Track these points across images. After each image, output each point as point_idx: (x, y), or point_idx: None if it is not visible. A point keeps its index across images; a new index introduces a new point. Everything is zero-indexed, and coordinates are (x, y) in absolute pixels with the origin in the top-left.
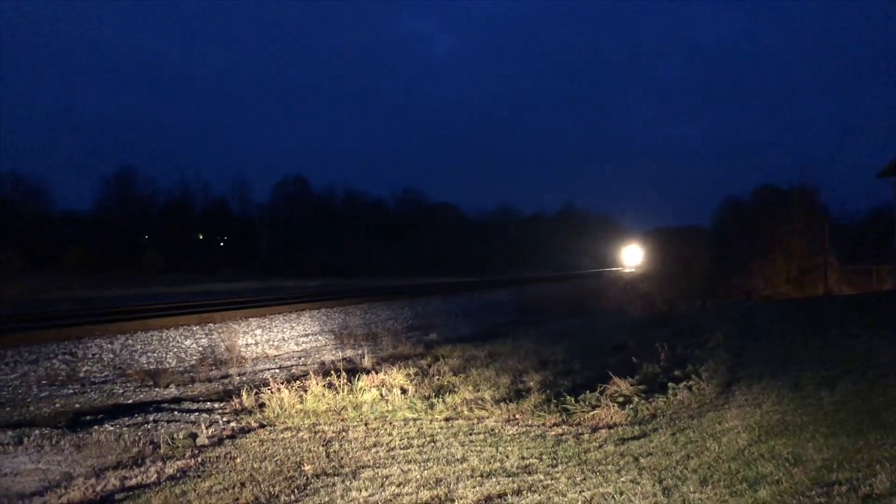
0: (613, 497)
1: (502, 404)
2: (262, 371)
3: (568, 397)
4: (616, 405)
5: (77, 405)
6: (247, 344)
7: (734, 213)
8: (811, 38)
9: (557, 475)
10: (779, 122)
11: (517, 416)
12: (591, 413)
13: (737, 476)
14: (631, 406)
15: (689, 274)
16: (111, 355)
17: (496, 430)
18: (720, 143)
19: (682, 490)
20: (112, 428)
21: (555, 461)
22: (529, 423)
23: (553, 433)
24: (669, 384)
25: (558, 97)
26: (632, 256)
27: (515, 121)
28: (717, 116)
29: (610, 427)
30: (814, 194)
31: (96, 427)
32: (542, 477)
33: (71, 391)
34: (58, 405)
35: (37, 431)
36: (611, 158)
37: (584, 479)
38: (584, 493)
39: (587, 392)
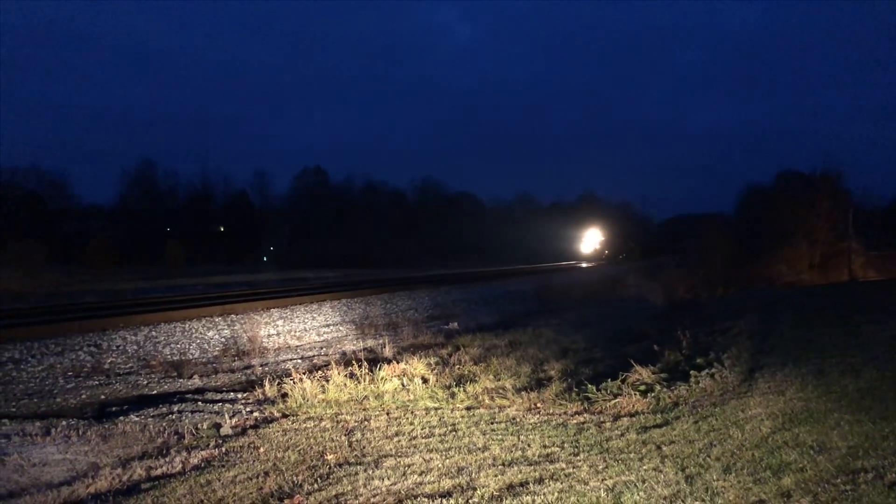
0: (636, 485)
1: (523, 393)
2: (284, 361)
3: (589, 386)
4: (638, 393)
5: (103, 396)
6: (269, 334)
7: (756, 200)
8: (835, 21)
9: (579, 463)
10: (802, 107)
11: (538, 405)
12: (613, 401)
13: (760, 464)
14: (653, 394)
15: (711, 261)
16: (135, 347)
17: (517, 419)
18: (743, 129)
19: (705, 478)
20: (137, 418)
21: (576, 450)
22: (551, 411)
23: (575, 422)
24: (692, 372)
25: (579, 85)
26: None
27: (535, 109)
28: (739, 102)
29: (632, 415)
30: (837, 180)
31: (122, 418)
32: (563, 465)
33: (96, 382)
34: (84, 396)
35: (64, 422)
36: (632, 146)
37: (606, 467)
38: (606, 482)
39: (608, 380)
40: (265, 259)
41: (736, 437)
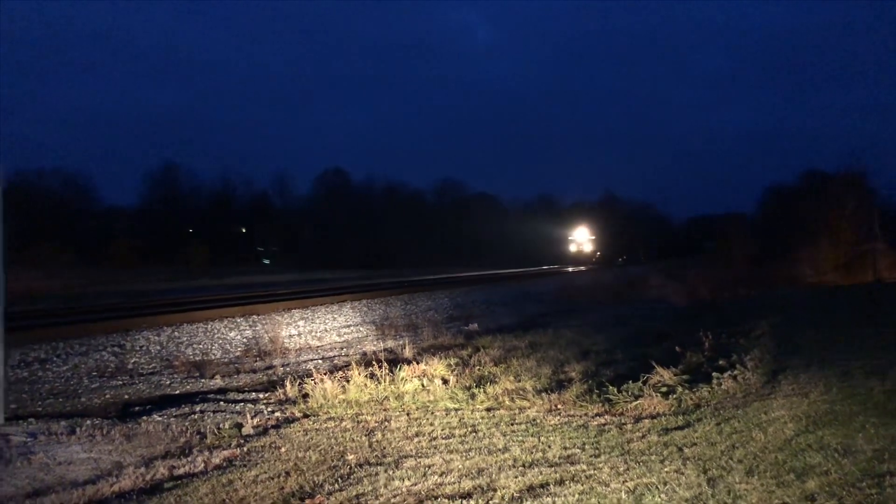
0: (657, 487)
1: (544, 394)
2: (305, 362)
3: (610, 387)
4: (659, 395)
5: (126, 396)
6: (290, 335)
7: (779, 200)
8: (859, 18)
9: (600, 465)
10: (825, 106)
11: (559, 407)
12: (634, 403)
13: (784, 467)
14: (674, 396)
15: (733, 261)
16: (158, 347)
17: (538, 421)
18: (765, 128)
19: (728, 480)
20: (160, 418)
21: (597, 451)
22: (571, 413)
23: (595, 423)
24: (714, 374)
25: (600, 85)
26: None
27: (556, 110)
28: (762, 102)
29: (653, 417)
30: (862, 179)
31: (145, 417)
32: (584, 467)
33: (120, 382)
34: (108, 396)
35: (88, 421)
36: (653, 146)
37: (628, 469)
38: (627, 484)
39: (630, 382)
40: (286, 260)
41: (759, 439)
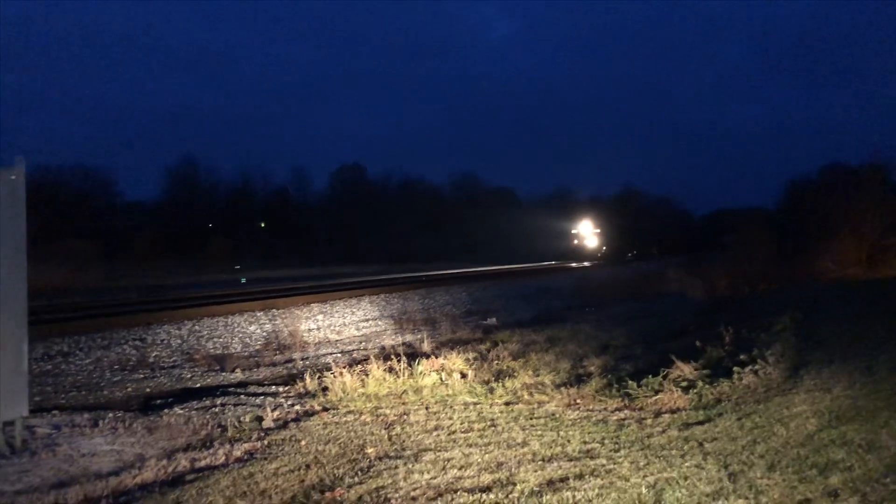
0: (678, 482)
1: (563, 389)
2: (324, 355)
3: (630, 382)
4: (679, 390)
5: (148, 389)
6: (309, 329)
7: (800, 193)
8: (882, 9)
9: (620, 460)
10: (846, 99)
11: (578, 401)
12: (654, 398)
13: (806, 462)
14: (695, 390)
15: (753, 256)
16: (179, 341)
17: (557, 415)
18: (785, 122)
19: (749, 476)
20: (181, 411)
21: (617, 446)
22: (591, 407)
23: (615, 418)
24: (734, 368)
25: (618, 78)
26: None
27: (574, 103)
28: (781, 95)
29: (673, 412)
30: (886, 171)
31: (166, 410)
32: (604, 461)
33: (142, 376)
34: (129, 389)
35: (111, 414)
36: (670, 140)
37: (648, 463)
38: (647, 478)
39: (649, 376)
40: (305, 254)
41: (780, 434)
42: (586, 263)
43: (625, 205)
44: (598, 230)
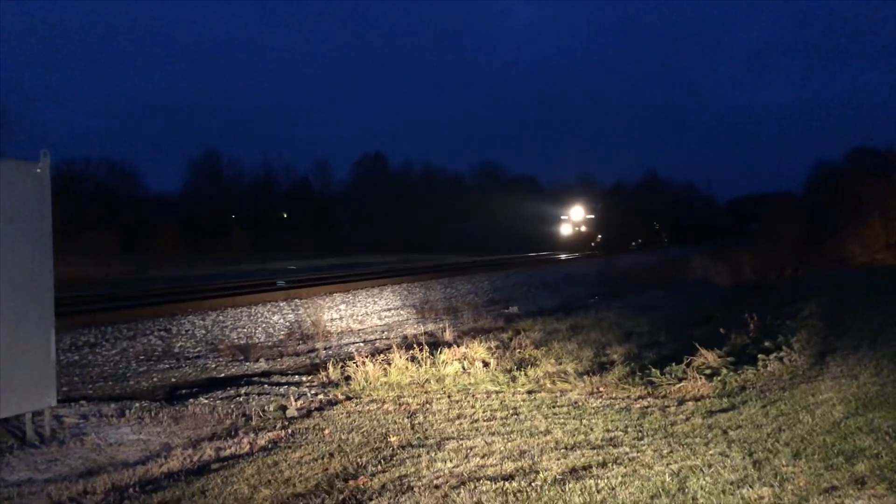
0: (702, 470)
1: (585, 377)
2: (346, 345)
3: (653, 370)
4: (703, 377)
5: (173, 379)
6: (331, 319)
7: (828, 178)
8: None
9: (643, 448)
10: (874, 82)
11: (601, 389)
12: (678, 385)
13: (832, 449)
14: (719, 378)
15: (779, 241)
16: (203, 331)
17: (580, 403)
18: (811, 106)
19: (774, 463)
20: (206, 401)
21: (640, 434)
22: (614, 395)
23: (638, 406)
24: (759, 356)
25: (642, 64)
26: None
27: (597, 89)
28: (807, 79)
29: (697, 399)
30: None
31: (191, 400)
32: (627, 449)
33: (167, 366)
34: (155, 379)
35: (137, 404)
36: (694, 125)
37: (671, 451)
38: (671, 466)
39: (673, 364)
40: (327, 244)
41: (806, 421)
42: (577, 254)
43: (636, 192)
44: (592, 216)
